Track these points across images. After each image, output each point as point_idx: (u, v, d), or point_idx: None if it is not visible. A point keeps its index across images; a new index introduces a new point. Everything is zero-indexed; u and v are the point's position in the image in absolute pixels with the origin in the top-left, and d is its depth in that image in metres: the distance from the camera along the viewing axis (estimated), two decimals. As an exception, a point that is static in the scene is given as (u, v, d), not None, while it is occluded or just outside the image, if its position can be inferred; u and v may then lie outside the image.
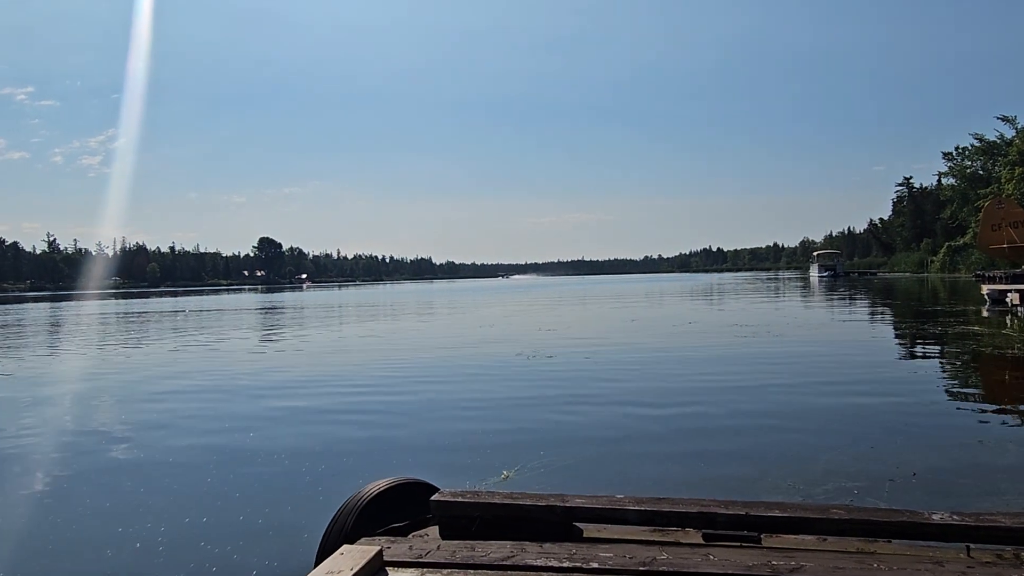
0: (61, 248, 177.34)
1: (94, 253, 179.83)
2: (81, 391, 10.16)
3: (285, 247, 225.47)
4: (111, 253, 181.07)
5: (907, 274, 76.09)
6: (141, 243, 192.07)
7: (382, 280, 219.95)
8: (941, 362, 10.98)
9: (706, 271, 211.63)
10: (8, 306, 55.46)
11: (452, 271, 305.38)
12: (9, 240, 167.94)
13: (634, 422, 7.02)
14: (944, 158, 76.42)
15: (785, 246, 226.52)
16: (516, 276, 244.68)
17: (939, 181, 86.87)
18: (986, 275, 25.40)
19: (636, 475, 5.24)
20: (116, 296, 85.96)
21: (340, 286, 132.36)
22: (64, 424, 7.69)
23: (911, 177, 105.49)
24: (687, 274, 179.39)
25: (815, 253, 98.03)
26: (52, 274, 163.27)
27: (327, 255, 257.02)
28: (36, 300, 73.90)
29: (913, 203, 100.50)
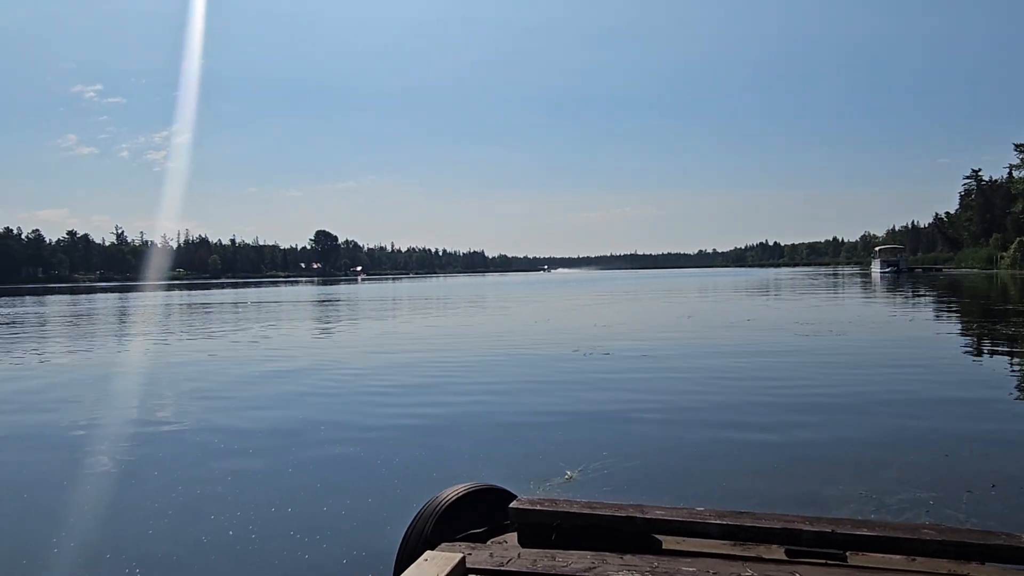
0: (128, 240, 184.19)
1: (159, 245, 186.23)
2: (163, 379, 10.53)
3: (341, 240, 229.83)
4: (175, 245, 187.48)
5: (975, 270, 73.29)
6: (203, 236, 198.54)
7: (435, 273, 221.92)
8: (1015, 365, 10.56)
9: (762, 266, 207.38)
10: (79, 296, 57.77)
11: (504, 264, 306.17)
12: (80, 232, 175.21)
13: (694, 420, 6.95)
14: (1016, 150, 73.56)
15: (845, 240, 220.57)
16: (561, 269, 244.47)
17: (1010, 174, 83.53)
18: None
19: (703, 475, 5.19)
20: (180, 287, 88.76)
21: (394, 279, 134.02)
22: (148, 412, 7.98)
23: (980, 169, 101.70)
24: (742, 269, 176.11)
25: (877, 248, 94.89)
26: (120, 265, 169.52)
27: (381, 248, 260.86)
28: (106, 290, 76.79)
29: (982, 196, 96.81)
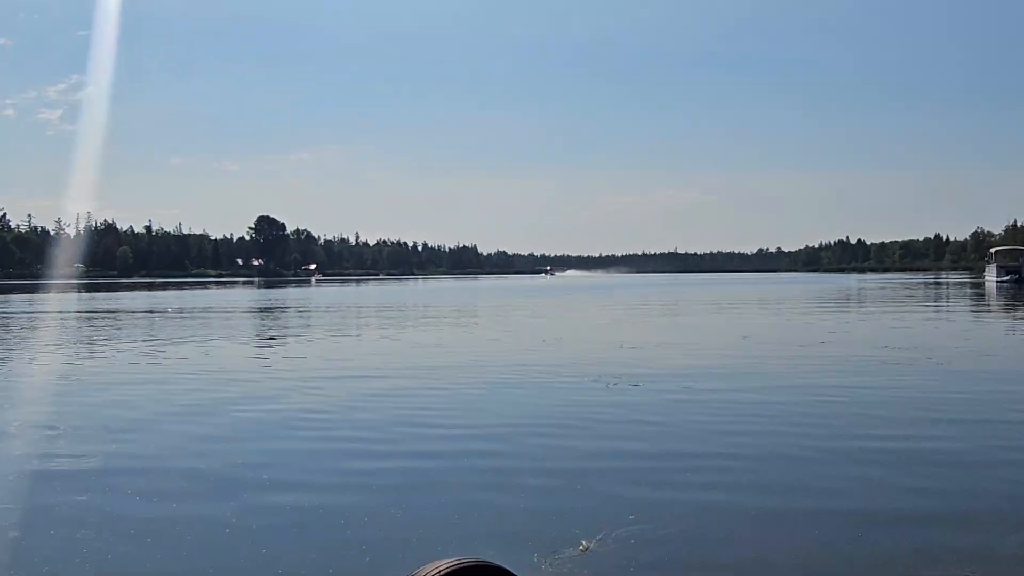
0: (12, 225, 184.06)
1: (52, 233, 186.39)
2: (65, 415, 10.58)
3: (290, 229, 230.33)
4: (74, 233, 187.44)
5: (1121, 279, 73.26)
6: (110, 221, 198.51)
7: (412, 274, 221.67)
8: None
9: (841, 270, 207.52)
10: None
11: (503, 263, 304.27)
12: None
13: (747, 475, 7.01)
14: None
15: (951, 239, 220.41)
16: (571, 272, 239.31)
17: None
18: None
19: (755, 549, 5.24)
20: (80, 288, 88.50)
21: (358, 281, 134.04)
22: (52, 452, 8.04)
23: None
24: (816, 274, 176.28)
25: (992, 249, 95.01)
26: (1, 258, 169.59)
27: (342, 240, 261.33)
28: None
29: None
